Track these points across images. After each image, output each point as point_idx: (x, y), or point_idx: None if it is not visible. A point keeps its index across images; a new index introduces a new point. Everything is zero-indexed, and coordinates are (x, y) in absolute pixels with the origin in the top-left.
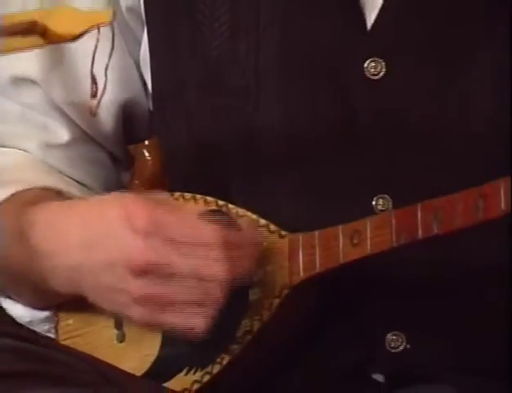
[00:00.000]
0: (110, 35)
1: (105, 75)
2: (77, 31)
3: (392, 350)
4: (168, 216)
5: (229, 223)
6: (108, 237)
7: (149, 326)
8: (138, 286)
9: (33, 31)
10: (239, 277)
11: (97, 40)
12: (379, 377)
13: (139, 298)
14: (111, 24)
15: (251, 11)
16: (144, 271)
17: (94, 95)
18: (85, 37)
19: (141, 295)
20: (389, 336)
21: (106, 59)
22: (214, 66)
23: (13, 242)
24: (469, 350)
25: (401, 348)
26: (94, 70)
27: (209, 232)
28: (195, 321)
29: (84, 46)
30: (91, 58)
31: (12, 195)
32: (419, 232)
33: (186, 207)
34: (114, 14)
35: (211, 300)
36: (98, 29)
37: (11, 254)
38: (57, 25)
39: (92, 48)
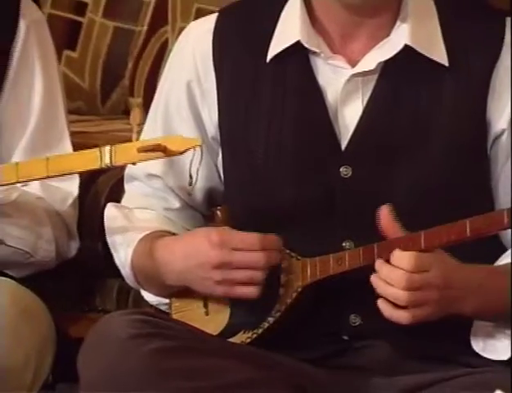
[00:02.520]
0: (200, 152)
1: (197, 174)
2: (182, 149)
3: (353, 324)
4: (229, 235)
5: None
6: (198, 249)
7: (226, 296)
8: (216, 275)
9: (157, 149)
10: (271, 265)
11: (193, 154)
12: (345, 337)
13: (218, 281)
14: (201, 145)
15: (275, 142)
16: (218, 266)
17: (190, 184)
18: (187, 152)
19: (218, 279)
20: (351, 316)
21: (198, 165)
22: (256, 170)
23: (147, 258)
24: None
25: (358, 323)
26: (191, 170)
27: (253, 240)
28: (249, 291)
29: (186, 157)
30: (189, 164)
31: (147, 234)
32: (375, 258)
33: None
34: (202, 140)
35: (256, 280)
36: (194, 148)
37: (145, 265)
38: (171, 145)
39: (190, 159)
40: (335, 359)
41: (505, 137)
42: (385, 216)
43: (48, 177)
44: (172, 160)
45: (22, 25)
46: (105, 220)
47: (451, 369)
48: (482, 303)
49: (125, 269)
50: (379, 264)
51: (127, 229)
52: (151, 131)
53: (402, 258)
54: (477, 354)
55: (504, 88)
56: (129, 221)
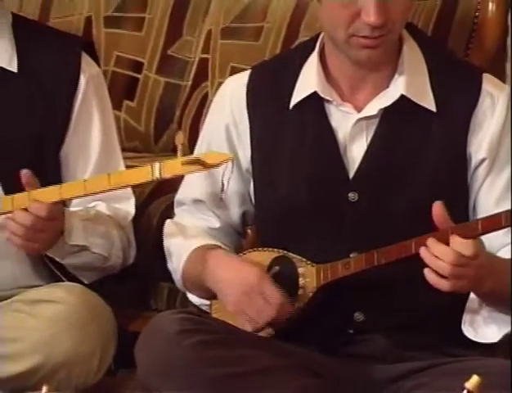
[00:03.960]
0: (231, 165)
1: (228, 182)
2: (217, 162)
3: (356, 320)
4: (265, 282)
5: (289, 262)
6: (239, 273)
7: (237, 313)
8: (238, 298)
9: (197, 163)
10: (272, 322)
11: (226, 167)
12: (350, 330)
13: (236, 302)
14: (232, 160)
15: (295, 174)
16: (243, 294)
17: (222, 190)
18: (222, 165)
19: (237, 301)
20: (355, 314)
21: (228, 176)
22: (280, 196)
23: (197, 265)
24: (393, 319)
25: (361, 319)
26: (223, 179)
27: (277, 300)
28: (245, 327)
29: (221, 169)
30: (221, 173)
31: (198, 246)
32: (375, 262)
33: (263, 255)
34: (234, 156)
35: (255, 326)
36: (226, 162)
37: (194, 271)
38: (209, 160)
39: (223, 170)
40: (342, 349)
41: (483, 166)
42: (438, 210)
43: (110, 189)
44: (213, 188)
45: (82, 79)
46: (163, 232)
47: (438, 358)
48: (494, 284)
49: (176, 273)
50: (433, 242)
51: (181, 240)
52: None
53: (462, 243)
54: (460, 346)
55: (481, 126)
56: (183, 234)
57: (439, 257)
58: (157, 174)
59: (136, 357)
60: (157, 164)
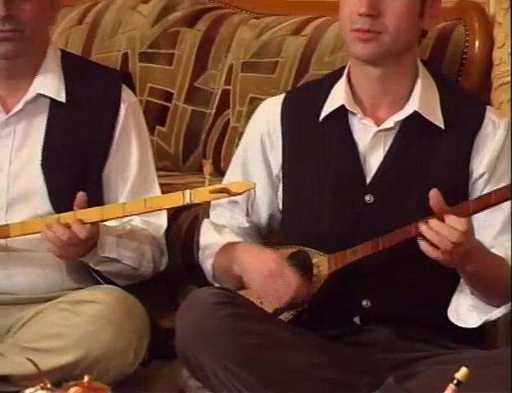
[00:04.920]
0: (253, 192)
1: (251, 207)
2: (241, 191)
3: (364, 307)
4: (283, 267)
5: (305, 255)
6: (261, 259)
7: (258, 295)
8: (261, 281)
9: (223, 191)
10: (291, 302)
11: (249, 193)
12: (357, 320)
13: (259, 284)
14: (254, 187)
15: (320, 179)
16: (266, 276)
17: (247, 215)
18: (245, 193)
19: (260, 284)
20: (363, 301)
21: (251, 202)
22: (306, 200)
23: (228, 255)
24: (396, 307)
25: (368, 306)
26: (247, 205)
27: (293, 280)
28: (266, 306)
29: (245, 194)
30: (246, 199)
31: (229, 242)
32: (380, 247)
33: (282, 250)
34: (254, 184)
35: (287, 295)
36: (248, 190)
37: (225, 261)
38: (233, 188)
39: (247, 196)
40: (348, 338)
41: (483, 179)
42: (435, 196)
43: (146, 212)
44: (247, 193)
45: (122, 107)
46: (201, 230)
47: (433, 349)
48: (477, 268)
49: (207, 265)
50: (437, 222)
51: (215, 236)
52: (231, 172)
53: (456, 220)
54: (452, 339)
55: (484, 146)
56: (218, 232)
57: (445, 235)
58: (187, 200)
59: (176, 324)
60: (188, 191)
